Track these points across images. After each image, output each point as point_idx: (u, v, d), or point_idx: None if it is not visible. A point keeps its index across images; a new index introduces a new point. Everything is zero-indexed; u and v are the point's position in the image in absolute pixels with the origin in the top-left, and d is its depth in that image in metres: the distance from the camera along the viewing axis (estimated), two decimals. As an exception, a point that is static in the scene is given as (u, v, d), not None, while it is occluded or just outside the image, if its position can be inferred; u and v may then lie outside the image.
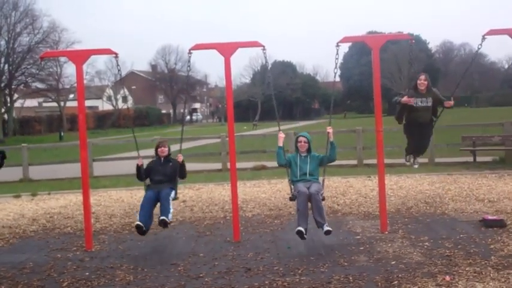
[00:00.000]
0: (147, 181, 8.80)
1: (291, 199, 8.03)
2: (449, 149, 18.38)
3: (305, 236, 7.51)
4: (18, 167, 18.69)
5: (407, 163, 9.87)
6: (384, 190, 8.56)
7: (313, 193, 7.65)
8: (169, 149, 8.99)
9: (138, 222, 8.03)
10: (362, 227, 8.74)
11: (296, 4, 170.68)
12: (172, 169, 8.76)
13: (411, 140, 9.42)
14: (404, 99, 8.81)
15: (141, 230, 8.06)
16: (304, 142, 8.13)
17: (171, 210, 8.29)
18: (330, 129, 8.16)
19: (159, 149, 8.92)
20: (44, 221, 10.68)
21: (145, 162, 8.95)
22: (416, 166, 9.88)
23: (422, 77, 9.02)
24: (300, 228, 7.46)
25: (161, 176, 8.67)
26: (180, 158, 8.82)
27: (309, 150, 8.16)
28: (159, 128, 71.89)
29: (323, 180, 8.12)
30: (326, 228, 7.50)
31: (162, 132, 52.36)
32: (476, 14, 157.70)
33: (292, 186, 8.04)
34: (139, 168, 8.83)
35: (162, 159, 8.88)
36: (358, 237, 8.16)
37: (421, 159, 9.87)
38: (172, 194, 8.55)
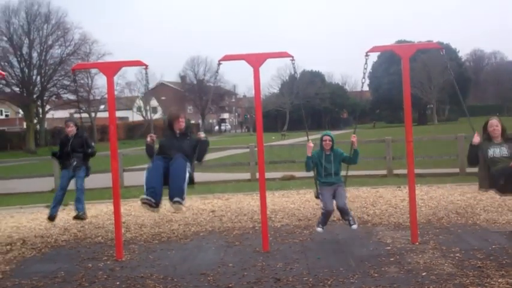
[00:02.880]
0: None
1: (316, 197, 8.72)
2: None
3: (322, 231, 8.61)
4: (50, 177, 18.97)
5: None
6: (414, 200, 8.47)
7: (341, 207, 8.41)
8: (186, 124, 8.06)
9: (144, 197, 7.19)
10: (392, 238, 8.66)
11: (324, 13, 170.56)
12: (190, 145, 7.83)
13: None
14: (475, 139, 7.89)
15: (150, 205, 7.34)
16: (329, 141, 8.68)
17: (186, 188, 7.38)
18: (354, 138, 8.58)
19: (175, 121, 7.99)
20: (75, 230, 10.80)
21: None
22: None
23: (494, 121, 7.95)
24: (320, 229, 8.62)
25: (176, 151, 7.69)
26: (202, 134, 8.04)
27: (332, 148, 8.72)
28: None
29: (345, 178, 8.79)
30: (353, 226, 8.56)
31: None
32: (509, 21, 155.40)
33: (318, 188, 8.62)
34: (149, 146, 8.08)
35: (178, 133, 8.02)
36: (389, 248, 8.08)
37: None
38: (188, 168, 7.53)
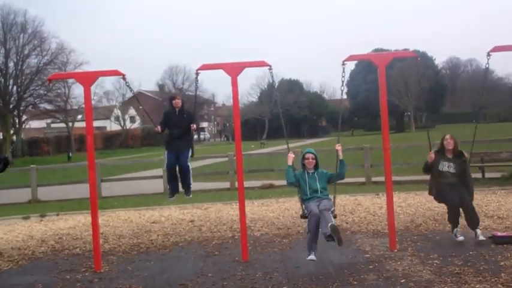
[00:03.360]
0: (166, 131, 9.78)
1: (302, 216, 7.92)
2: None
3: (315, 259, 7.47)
4: (27, 188, 18.79)
5: (459, 237, 8.49)
6: (392, 208, 8.53)
7: (322, 209, 7.50)
8: (183, 103, 9.94)
9: (170, 199, 10.44)
10: (371, 245, 8.70)
11: (301, 22, 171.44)
12: (187, 121, 9.67)
13: (449, 204, 8.68)
14: (430, 157, 8.78)
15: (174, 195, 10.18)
16: (312, 158, 8.03)
17: (191, 182, 9.93)
18: (338, 147, 8.09)
19: (173, 101, 9.88)
20: (53, 242, 10.70)
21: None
22: (483, 238, 8.35)
23: (448, 136, 8.87)
24: (312, 257, 7.41)
25: (178, 128, 9.66)
26: (193, 127, 9.72)
27: (316, 167, 8.07)
28: (167, 147, 71.84)
29: (334, 198, 8.05)
30: (330, 223, 7.32)
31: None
32: (483, 29, 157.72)
33: (303, 205, 7.91)
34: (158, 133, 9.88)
35: (177, 111, 9.78)
36: (367, 255, 8.12)
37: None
38: (189, 155, 9.75)
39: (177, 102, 9.92)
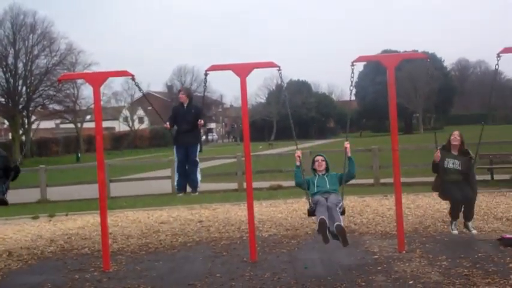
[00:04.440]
0: (174, 128, 9.70)
1: (309, 213, 7.84)
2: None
3: (328, 234, 7.28)
4: (36, 188, 18.88)
5: (454, 230, 9.03)
6: (400, 209, 8.51)
7: (330, 206, 7.49)
8: (190, 97, 9.92)
9: (179, 194, 10.17)
10: (379, 247, 8.69)
11: (309, 23, 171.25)
12: (195, 116, 9.59)
13: (452, 199, 8.99)
14: (435, 156, 8.93)
15: (183, 191, 9.95)
16: (322, 160, 8.21)
17: (199, 179, 9.84)
18: (347, 144, 8.18)
19: (179, 95, 10.05)
20: (62, 242, 10.74)
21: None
22: (474, 232, 9.02)
23: (456, 132, 9.07)
24: (322, 217, 7.26)
25: (185, 124, 9.62)
26: (201, 122, 9.61)
27: (327, 169, 8.19)
28: (175, 148, 71.85)
29: (342, 198, 7.99)
30: (337, 223, 7.27)
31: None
32: (493, 31, 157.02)
33: (311, 200, 7.87)
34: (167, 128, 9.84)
35: (185, 106, 9.77)
36: (376, 256, 8.11)
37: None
38: (198, 150, 9.74)
39: (182, 97, 10.02)
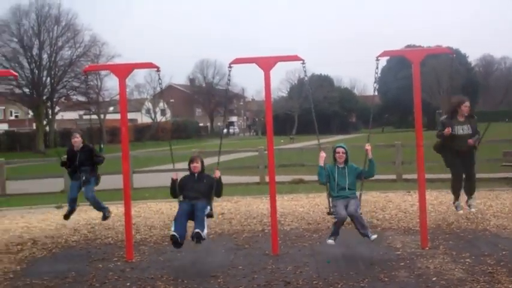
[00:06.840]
0: (181, 198, 8.39)
1: (329, 214, 8.29)
2: (491, 165, 17.93)
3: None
4: (60, 178, 19.06)
5: (458, 210, 9.90)
6: (424, 205, 8.46)
7: (352, 213, 7.88)
8: (202, 164, 8.67)
9: (173, 233, 7.82)
10: (402, 242, 8.65)
11: (333, 17, 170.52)
12: (207, 186, 8.42)
13: (454, 171, 9.83)
14: (446, 131, 9.44)
15: (176, 241, 7.83)
16: (342, 153, 8.31)
17: (206, 226, 7.99)
18: (368, 147, 8.21)
19: (191, 165, 8.63)
20: (86, 231, 10.87)
21: (183, 175, 8.83)
22: (474, 210, 9.88)
23: (467, 102, 9.76)
24: (332, 241, 8.02)
25: (195, 193, 8.30)
26: (218, 173, 8.50)
27: (346, 161, 8.32)
28: (197, 140, 72.25)
29: (360, 195, 8.25)
30: (372, 237, 7.93)
31: (199, 145, 52.74)
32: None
33: (331, 202, 8.21)
34: (174, 182, 8.49)
35: (196, 175, 8.57)
36: (398, 252, 8.08)
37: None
38: (208, 208, 8.24)
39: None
